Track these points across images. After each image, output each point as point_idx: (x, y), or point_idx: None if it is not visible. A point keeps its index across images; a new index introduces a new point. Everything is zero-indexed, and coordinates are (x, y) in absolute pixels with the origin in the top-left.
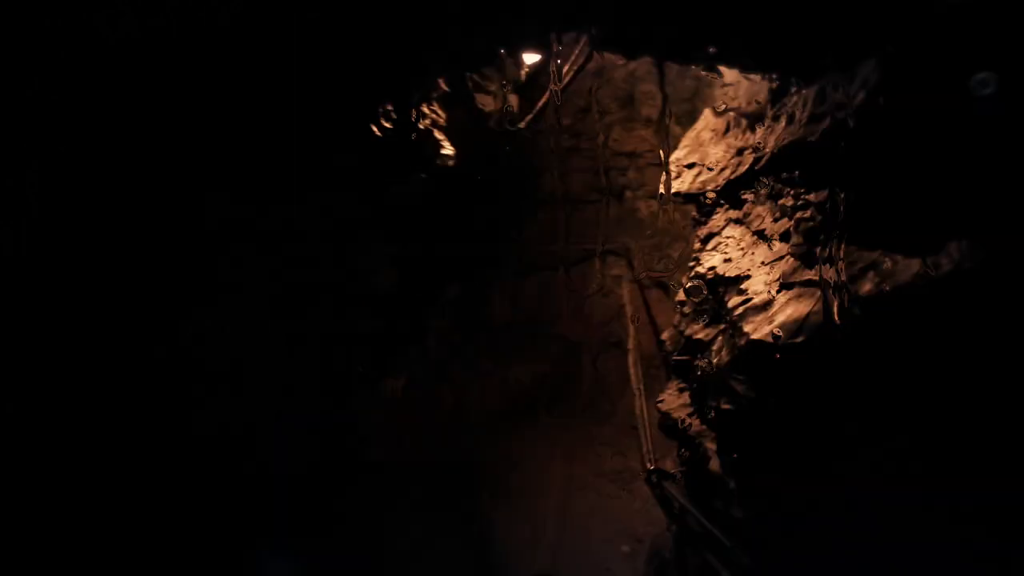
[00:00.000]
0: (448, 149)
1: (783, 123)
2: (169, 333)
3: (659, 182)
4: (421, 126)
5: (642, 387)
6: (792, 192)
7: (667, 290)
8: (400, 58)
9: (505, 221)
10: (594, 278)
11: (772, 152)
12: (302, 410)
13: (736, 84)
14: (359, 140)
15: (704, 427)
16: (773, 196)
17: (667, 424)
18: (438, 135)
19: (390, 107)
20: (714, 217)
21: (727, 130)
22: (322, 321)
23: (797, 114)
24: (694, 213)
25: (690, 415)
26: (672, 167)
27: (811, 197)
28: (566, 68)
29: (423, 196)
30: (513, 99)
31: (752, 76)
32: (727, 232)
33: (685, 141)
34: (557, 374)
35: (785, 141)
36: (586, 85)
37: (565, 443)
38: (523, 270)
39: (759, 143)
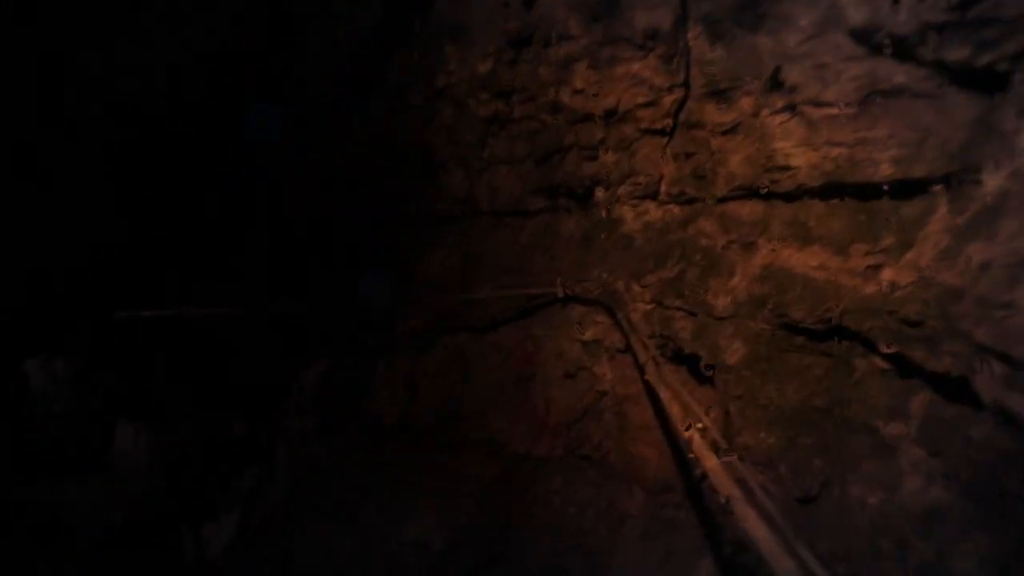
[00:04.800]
0: None
1: None
2: None
3: (659, 162)
4: None
5: None
6: None
7: (696, 370)
8: None
9: (385, 252)
10: (551, 345)
11: None
12: None
13: None
14: None
15: None
16: None
17: None
18: None
19: None
20: None
21: None
22: None
23: None
24: None
25: None
26: None
27: None
28: None
29: None
30: None
31: None
32: None
33: None
34: (491, 524)
35: None
36: None
37: None
38: (424, 335)
39: None
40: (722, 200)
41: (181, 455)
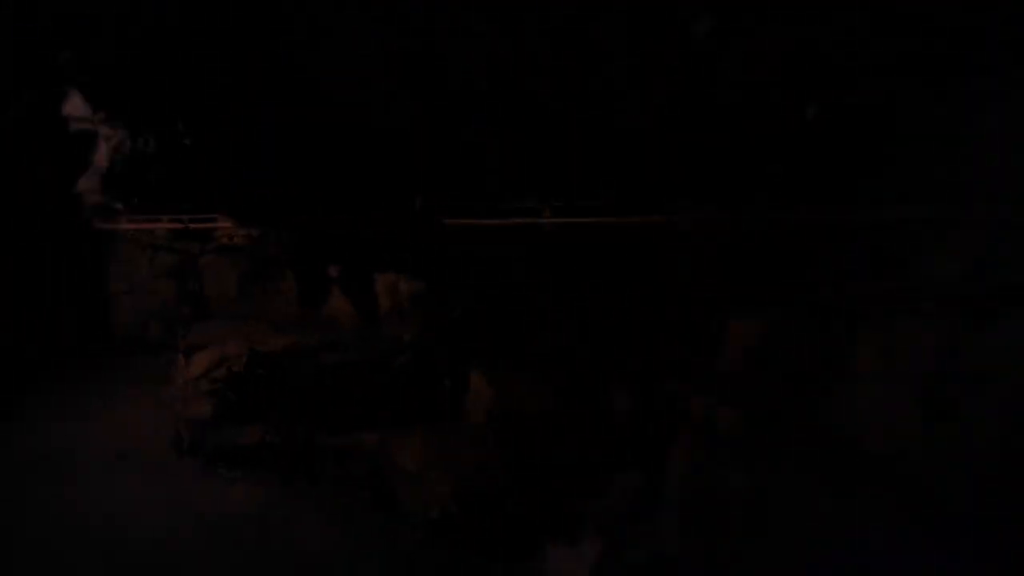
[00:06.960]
0: None
1: None
2: None
3: None
4: None
5: None
6: None
7: None
8: None
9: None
10: None
11: None
12: None
13: None
14: None
15: None
16: None
17: None
18: None
19: None
20: None
21: None
22: None
23: None
24: None
25: None
26: None
27: None
28: None
29: None
30: None
31: None
32: None
33: None
34: None
35: None
36: None
37: None
38: (973, 291)
39: None
40: None
41: (536, 433)
